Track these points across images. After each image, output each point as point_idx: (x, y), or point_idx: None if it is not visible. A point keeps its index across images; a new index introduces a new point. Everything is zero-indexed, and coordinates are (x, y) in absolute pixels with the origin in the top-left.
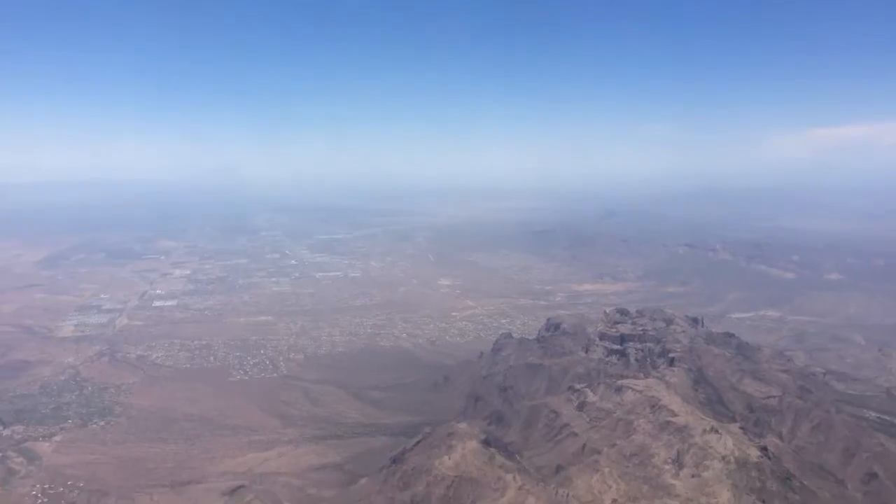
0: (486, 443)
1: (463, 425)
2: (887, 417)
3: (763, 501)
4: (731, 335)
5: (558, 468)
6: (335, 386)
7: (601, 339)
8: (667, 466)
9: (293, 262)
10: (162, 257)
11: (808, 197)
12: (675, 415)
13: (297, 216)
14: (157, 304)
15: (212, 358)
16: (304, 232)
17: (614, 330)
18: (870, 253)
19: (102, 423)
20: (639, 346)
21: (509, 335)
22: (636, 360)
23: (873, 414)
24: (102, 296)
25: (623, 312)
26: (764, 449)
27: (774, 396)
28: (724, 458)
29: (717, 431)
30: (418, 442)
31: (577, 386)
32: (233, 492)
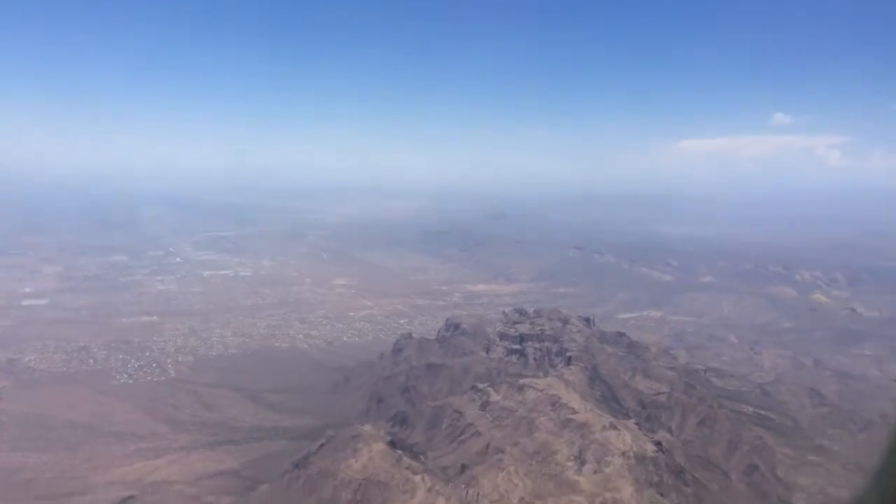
0: (392, 444)
1: (368, 427)
2: (762, 412)
3: (661, 494)
4: (622, 334)
5: (463, 468)
6: (229, 389)
7: (501, 338)
8: (569, 463)
9: (178, 259)
10: (30, 253)
11: (677, 204)
12: (576, 412)
13: (183, 212)
14: (26, 302)
15: (91, 361)
16: (190, 229)
17: (514, 330)
18: (738, 257)
19: None
20: (537, 345)
21: (409, 335)
22: (535, 359)
23: (750, 408)
24: None
25: (521, 313)
26: (658, 444)
27: (663, 393)
28: (623, 453)
29: (615, 428)
30: (322, 445)
31: (480, 385)
32: (121, 503)
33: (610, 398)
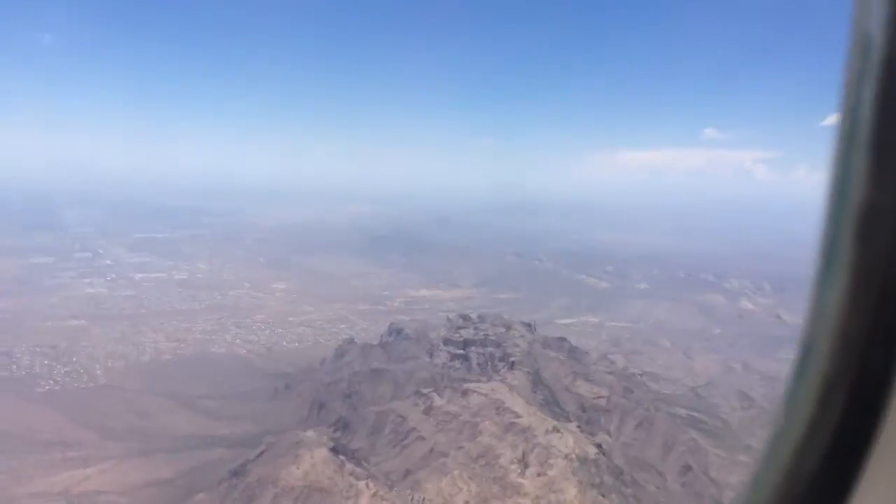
0: (335, 451)
1: (310, 433)
2: (696, 414)
3: (602, 496)
4: (563, 339)
5: (407, 472)
6: (162, 396)
7: (445, 343)
8: (513, 466)
9: (108, 261)
10: None
11: (612, 213)
12: (519, 416)
13: (113, 213)
14: None
15: (14, 367)
16: (120, 230)
17: (458, 335)
18: (671, 265)
19: None
20: (480, 350)
21: (352, 340)
22: (478, 364)
23: (684, 411)
24: None
25: (465, 318)
26: (599, 446)
27: (603, 397)
28: (566, 455)
29: (558, 431)
30: (262, 452)
31: (424, 390)
32: None
33: (552, 402)
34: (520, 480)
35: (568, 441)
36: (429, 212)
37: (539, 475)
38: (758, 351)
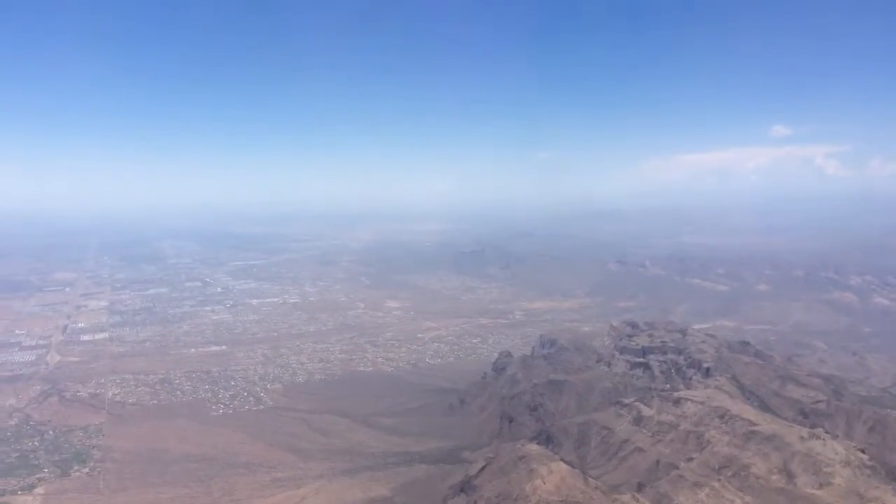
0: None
1: (534, 447)
2: None
3: None
4: (747, 343)
5: (639, 485)
6: (336, 415)
7: (622, 352)
8: (773, 476)
9: (219, 289)
10: (67, 289)
11: (692, 216)
12: (755, 424)
13: (202, 244)
14: (85, 337)
15: (178, 392)
16: (216, 259)
17: (633, 343)
18: (783, 265)
19: (86, 469)
20: (661, 358)
21: (509, 354)
22: (661, 371)
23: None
24: (17, 332)
25: (633, 325)
26: (863, 451)
27: (822, 400)
28: (847, 463)
29: (818, 437)
30: (483, 468)
31: (626, 401)
32: None
33: (765, 408)
34: (811, 491)
35: (836, 448)
36: (502, 226)
37: (822, 485)
38: None
